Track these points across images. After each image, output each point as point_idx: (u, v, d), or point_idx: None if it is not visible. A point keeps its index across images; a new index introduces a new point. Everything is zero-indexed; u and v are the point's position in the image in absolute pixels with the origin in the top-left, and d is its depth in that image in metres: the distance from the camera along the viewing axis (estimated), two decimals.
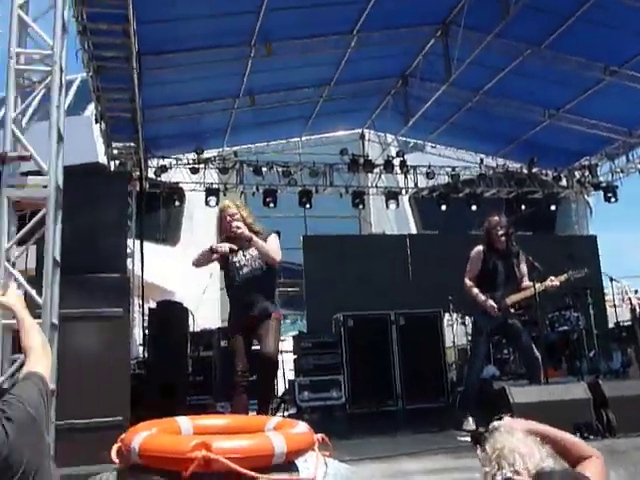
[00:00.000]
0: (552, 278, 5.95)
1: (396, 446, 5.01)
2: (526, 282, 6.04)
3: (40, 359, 2.42)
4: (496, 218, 6.15)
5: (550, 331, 9.40)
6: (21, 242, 4.27)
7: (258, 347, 5.06)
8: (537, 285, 5.82)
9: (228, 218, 5.20)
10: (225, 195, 13.11)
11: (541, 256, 6.10)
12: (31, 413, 2.20)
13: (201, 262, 5.27)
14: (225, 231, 5.24)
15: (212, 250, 5.16)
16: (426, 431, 6.16)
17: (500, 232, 6.06)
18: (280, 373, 9.70)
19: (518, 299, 6.10)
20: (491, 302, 5.94)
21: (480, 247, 6.15)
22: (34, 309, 4.17)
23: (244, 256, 5.21)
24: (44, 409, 2.28)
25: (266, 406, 5.09)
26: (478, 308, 6.06)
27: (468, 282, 6.10)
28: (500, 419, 2.26)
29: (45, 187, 4.07)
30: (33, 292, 4.06)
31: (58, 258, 4.14)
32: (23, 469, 2.12)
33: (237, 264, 5.20)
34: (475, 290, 6.05)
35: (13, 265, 4.09)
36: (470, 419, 5.77)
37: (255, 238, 5.11)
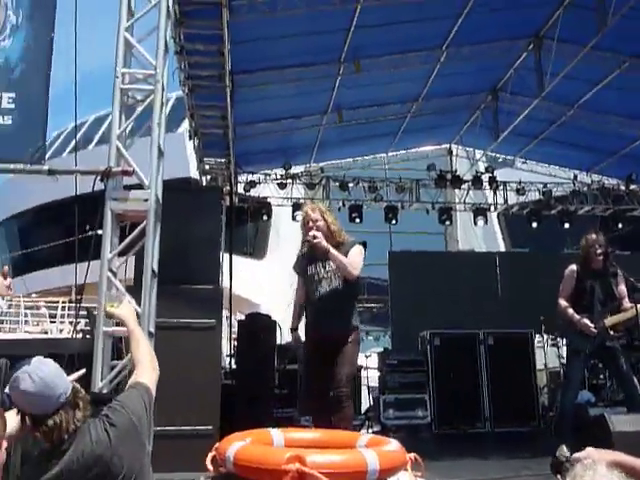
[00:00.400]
0: None
1: (487, 470, 4.86)
2: (626, 304, 5.74)
3: (147, 371, 2.50)
4: (594, 236, 5.88)
5: None
6: (121, 253, 4.45)
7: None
8: (639, 307, 5.53)
9: (310, 224, 4.84)
10: None
11: None
12: (134, 421, 2.27)
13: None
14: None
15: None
16: (517, 456, 5.94)
17: (598, 251, 5.80)
18: (365, 390, 9.68)
19: (617, 321, 5.78)
20: (587, 321, 5.67)
21: (574, 266, 5.90)
22: None
23: (323, 268, 4.82)
24: (147, 419, 2.35)
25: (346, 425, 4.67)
26: (573, 329, 5.79)
27: (563, 302, 5.85)
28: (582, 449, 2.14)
29: (146, 200, 4.23)
30: (133, 302, 4.22)
31: (156, 269, 4.29)
32: (123, 474, 2.20)
33: (315, 277, 4.83)
34: (570, 310, 5.80)
35: (114, 275, 4.27)
36: (564, 447, 5.51)
37: (332, 251, 4.69)
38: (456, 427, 8.48)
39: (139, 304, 4.16)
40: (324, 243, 4.68)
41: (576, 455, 2.06)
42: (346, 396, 4.57)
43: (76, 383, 2.38)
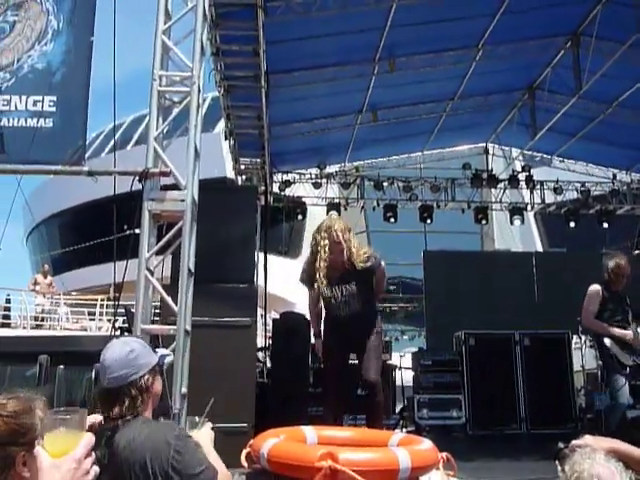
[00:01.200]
0: None
1: (521, 471, 4.83)
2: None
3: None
4: (624, 262, 5.83)
5: None
6: (158, 252, 4.53)
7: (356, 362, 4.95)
8: None
9: (339, 243, 4.74)
10: (346, 210, 13.27)
11: None
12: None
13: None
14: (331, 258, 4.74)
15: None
16: (552, 457, 5.87)
17: (626, 279, 5.77)
18: (399, 389, 9.66)
19: None
20: (629, 332, 5.62)
21: (598, 286, 5.83)
22: (169, 316, 4.44)
23: (342, 290, 4.79)
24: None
25: (378, 422, 4.87)
26: (614, 344, 5.69)
27: (594, 320, 5.78)
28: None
29: (182, 201, 4.31)
30: (169, 299, 4.30)
31: (192, 268, 4.37)
32: None
33: (335, 300, 4.83)
34: (606, 325, 5.72)
35: (151, 273, 4.35)
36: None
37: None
38: (491, 428, 8.41)
39: (176, 303, 4.25)
40: None
41: (574, 442, 2.07)
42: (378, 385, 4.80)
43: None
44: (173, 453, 2.19)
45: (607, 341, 5.64)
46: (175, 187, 4.46)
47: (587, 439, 2.12)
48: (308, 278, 4.92)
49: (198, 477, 2.18)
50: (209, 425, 2.58)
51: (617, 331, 5.67)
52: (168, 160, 4.45)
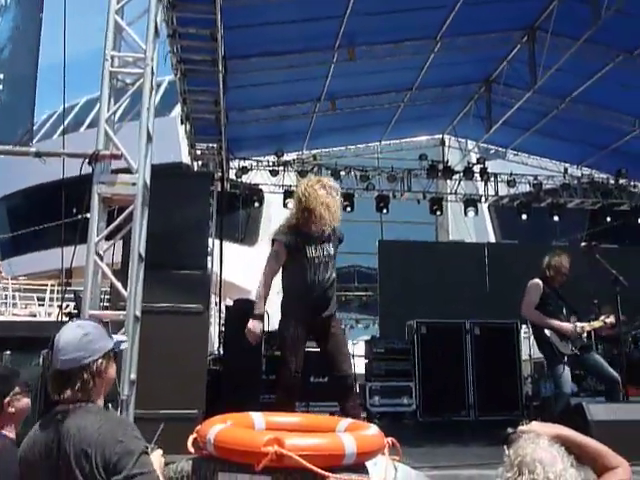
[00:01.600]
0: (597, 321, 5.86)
1: (467, 456, 4.93)
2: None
3: None
4: (564, 258, 5.98)
5: (634, 348, 9.02)
6: (109, 237, 4.46)
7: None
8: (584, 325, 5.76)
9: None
10: None
11: (627, 270, 5.89)
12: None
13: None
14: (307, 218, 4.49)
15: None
16: (498, 444, 6.00)
17: (567, 273, 5.92)
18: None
19: (597, 326, 5.94)
20: (568, 324, 5.78)
21: (538, 281, 5.97)
22: (119, 302, 4.38)
23: (321, 251, 4.58)
24: None
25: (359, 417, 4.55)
26: (554, 336, 5.84)
27: (535, 311, 5.91)
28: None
29: (134, 185, 4.24)
30: (119, 285, 4.24)
31: (143, 253, 4.31)
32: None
33: (314, 260, 4.56)
34: (546, 317, 5.87)
35: (101, 259, 4.28)
36: None
37: None
38: (441, 415, 8.57)
39: (126, 288, 4.19)
40: None
41: (521, 428, 2.14)
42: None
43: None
44: (118, 449, 2.18)
45: (547, 331, 5.80)
46: (127, 171, 4.38)
47: (533, 425, 2.18)
48: (291, 231, 4.65)
49: (137, 478, 2.17)
50: (159, 452, 2.57)
51: (556, 323, 5.82)
52: (120, 143, 4.37)
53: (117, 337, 2.65)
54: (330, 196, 4.58)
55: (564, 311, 5.95)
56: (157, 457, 2.53)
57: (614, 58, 9.97)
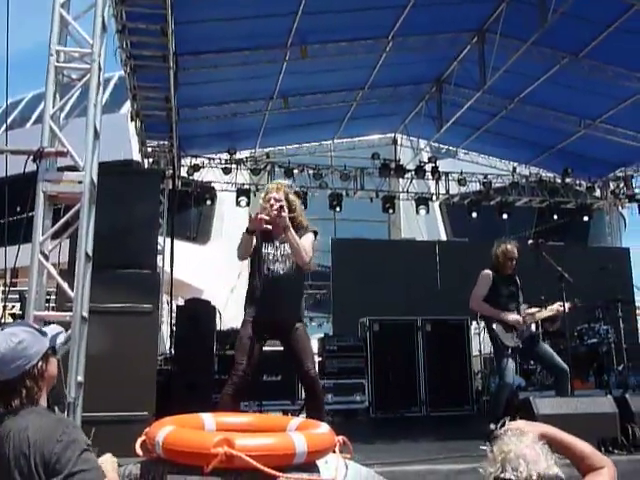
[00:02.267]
0: (541, 309, 5.96)
1: (418, 452, 4.99)
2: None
3: None
4: (510, 246, 6.06)
5: (579, 343, 9.26)
6: (55, 236, 4.34)
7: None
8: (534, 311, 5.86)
9: (271, 201, 4.47)
10: (256, 196, 13.21)
11: (573, 267, 6.04)
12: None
13: (244, 250, 4.52)
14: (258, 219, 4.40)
15: (249, 231, 4.44)
16: (448, 438, 6.12)
17: (514, 261, 6.01)
18: None
19: (545, 316, 6.06)
20: (515, 315, 5.84)
21: (489, 271, 6.04)
22: (66, 302, 4.27)
23: (277, 249, 4.58)
24: None
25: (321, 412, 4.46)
26: (500, 327, 5.93)
27: (481, 302, 5.97)
28: (514, 420, 2.23)
29: (80, 183, 4.14)
30: (65, 285, 4.14)
31: (90, 253, 4.21)
32: None
33: (269, 256, 4.57)
34: (492, 308, 5.94)
35: (46, 258, 4.17)
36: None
37: (291, 230, 4.43)
38: (393, 411, 8.66)
39: (72, 288, 4.09)
40: (286, 220, 4.41)
41: (507, 425, 2.15)
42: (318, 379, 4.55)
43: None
44: (57, 449, 2.13)
45: (494, 324, 5.87)
46: (73, 168, 4.28)
47: (519, 423, 2.18)
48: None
49: (78, 475, 2.13)
50: (109, 455, 2.53)
51: (501, 314, 5.86)
52: (66, 140, 4.26)
53: (51, 330, 2.56)
54: (281, 196, 4.58)
55: (519, 300, 5.99)
56: (109, 460, 2.49)
57: (560, 60, 10.23)
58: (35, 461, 2.12)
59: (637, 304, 11.51)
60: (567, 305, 5.98)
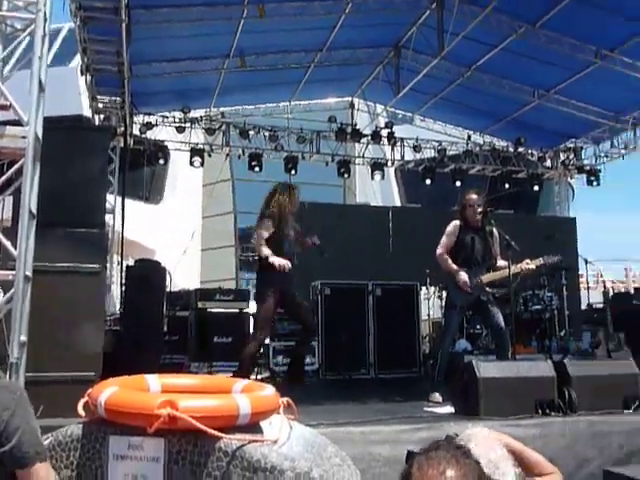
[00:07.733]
0: (528, 261, 5.99)
1: (364, 413, 5.10)
2: (500, 262, 6.10)
3: None
4: (474, 196, 6.16)
5: (523, 309, 9.55)
6: None
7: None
8: (512, 266, 5.89)
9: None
10: (210, 157, 13.02)
11: (520, 236, 6.15)
12: None
13: None
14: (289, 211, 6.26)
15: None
16: (395, 400, 6.27)
17: (478, 210, 6.08)
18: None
19: (493, 278, 6.16)
20: (465, 278, 5.95)
21: (457, 222, 6.15)
22: (9, 261, 4.17)
23: (292, 232, 6.25)
24: None
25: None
26: (452, 283, 6.07)
27: (444, 254, 6.07)
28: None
29: (24, 138, 4.01)
30: (8, 244, 4.04)
31: (34, 210, 4.11)
32: None
33: (290, 238, 6.22)
34: (450, 262, 6.05)
35: None
36: (436, 394, 5.89)
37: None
38: (342, 373, 8.79)
39: (15, 247, 3.99)
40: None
41: (468, 431, 2.22)
42: None
43: None
44: (5, 417, 2.10)
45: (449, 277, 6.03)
46: (17, 123, 4.14)
47: (482, 429, 2.26)
48: (276, 216, 6.16)
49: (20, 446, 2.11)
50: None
51: (454, 269, 5.99)
52: (10, 93, 4.11)
53: None
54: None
55: (485, 253, 6.06)
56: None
57: (517, 29, 10.27)
58: None
59: (581, 272, 11.85)
60: (554, 259, 6.11)
